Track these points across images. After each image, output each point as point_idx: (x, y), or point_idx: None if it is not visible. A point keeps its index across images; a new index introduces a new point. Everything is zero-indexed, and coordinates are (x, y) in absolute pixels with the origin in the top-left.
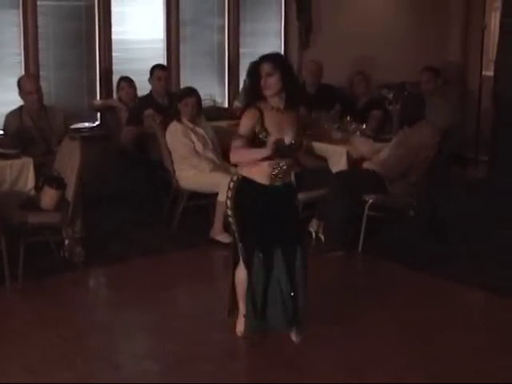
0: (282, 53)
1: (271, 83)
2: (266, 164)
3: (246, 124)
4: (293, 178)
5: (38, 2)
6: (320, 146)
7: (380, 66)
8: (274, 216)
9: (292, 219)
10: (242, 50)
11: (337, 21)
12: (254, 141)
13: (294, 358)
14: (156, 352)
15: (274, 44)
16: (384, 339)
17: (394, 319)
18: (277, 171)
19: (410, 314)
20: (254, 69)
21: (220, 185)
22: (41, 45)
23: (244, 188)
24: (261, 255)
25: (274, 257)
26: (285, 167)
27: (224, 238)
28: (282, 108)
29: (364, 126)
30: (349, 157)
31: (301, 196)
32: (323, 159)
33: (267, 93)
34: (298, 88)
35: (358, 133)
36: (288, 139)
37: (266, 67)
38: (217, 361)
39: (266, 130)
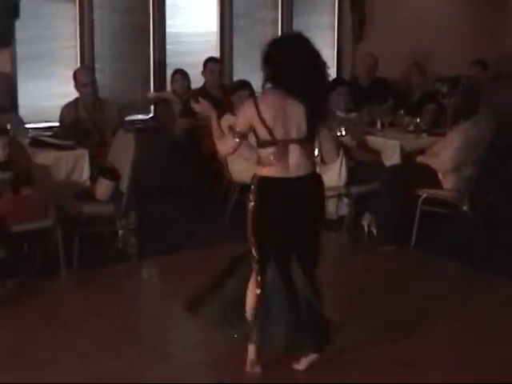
0: (336, 46)
1: None
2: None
3: None
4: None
5: None
6: (373, 140)
7: (434, 59)
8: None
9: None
10: None
11: (390, 13)
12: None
13: (347, 350)
14: (206, 343)
15: (328, 37)
16: (437, 336)
17: (447, 316)
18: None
19: (464, 311)
20: None
21: None
22: (96, 38)
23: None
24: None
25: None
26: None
27: None
28: None
29: (418, 120)
30: (402, 150)
31: (354, 190)
32: (377, 153)
33: None
34: None
35: (412, 127)
36: None
37: None
38: (267, 352)
39: None
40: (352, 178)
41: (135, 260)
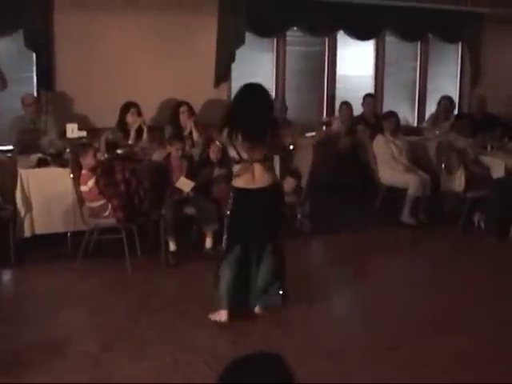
0: (458, 89)
1: None
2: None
3: None
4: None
5: (287, 48)
6: (485, 159)
7: None
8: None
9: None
10: (428, 86)
11: (497, 66)
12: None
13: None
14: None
15: (452, 83)
16: None
17: None
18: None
19: None
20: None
21: (410, 182)
22: (287, 77)
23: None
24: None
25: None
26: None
27: (410, 220)
28: None
29: None
30: (506, 167)
31: (469, 194)
32: (487, 168)
33: None
34: None
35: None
36: None
37: None
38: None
39: None
40: (468, 185)
41: (308, 236)
